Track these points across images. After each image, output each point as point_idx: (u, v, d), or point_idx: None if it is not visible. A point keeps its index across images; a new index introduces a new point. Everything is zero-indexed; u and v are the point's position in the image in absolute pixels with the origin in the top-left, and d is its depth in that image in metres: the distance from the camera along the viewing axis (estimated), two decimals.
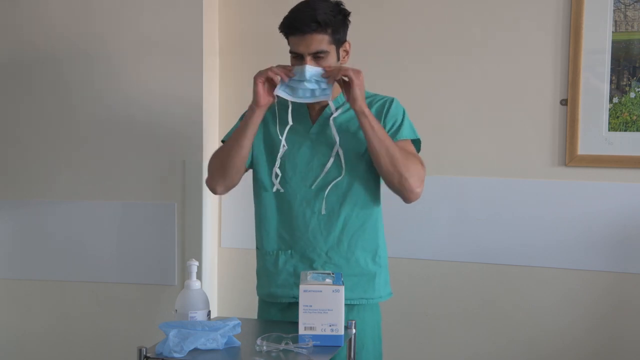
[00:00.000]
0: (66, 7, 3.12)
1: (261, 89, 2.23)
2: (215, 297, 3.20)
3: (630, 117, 2.76)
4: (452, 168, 2.93)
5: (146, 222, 3.11)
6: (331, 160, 2.30)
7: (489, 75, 2.90)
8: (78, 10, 3.12)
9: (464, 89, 2.92)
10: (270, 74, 2.21)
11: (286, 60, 2.30)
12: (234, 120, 2.46)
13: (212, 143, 3.08)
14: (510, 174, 2.89)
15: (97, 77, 3.11)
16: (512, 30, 2.87)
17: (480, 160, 2.92)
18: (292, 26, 2.23)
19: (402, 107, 2.35)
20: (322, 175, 2.31)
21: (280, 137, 2.32)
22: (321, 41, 2.22)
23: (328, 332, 1.97)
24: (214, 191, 2.39)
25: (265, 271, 2.38)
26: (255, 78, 2.23)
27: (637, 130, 2.76)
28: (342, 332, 1.97)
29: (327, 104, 2.33)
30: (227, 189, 2.39)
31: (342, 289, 1.97)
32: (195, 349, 1.91)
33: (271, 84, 2.24)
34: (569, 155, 2.81)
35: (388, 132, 2.28)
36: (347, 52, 2.32)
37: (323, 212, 2.30)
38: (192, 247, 3.07)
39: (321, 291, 1.96)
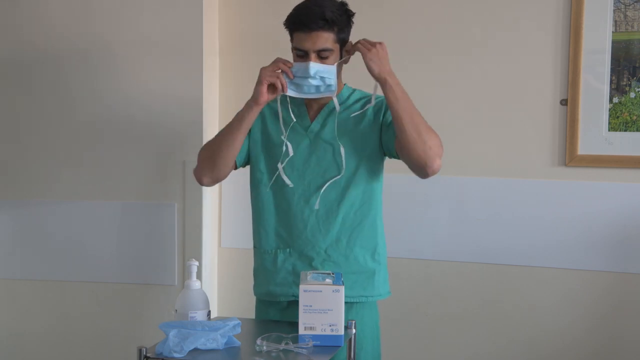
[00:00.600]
0: (66, 7, 3.12)
1: (265, 88, 2.23)
2: (215, 297, 3.20)
3: (630, 117, 2.76)
4: (452, 168, 2.92)
5: (146, 222, 3.10)
6: (331, 158, 2.31)
7: (489, 75, 2.90)
8: (78, 10, 3.11)
9: (464, 89, 2.92)
10: (276, 82, 2.21)
11: (288, 59, 2.30)
12: None
13: None
14: (510, 174, 2.89)
15: (97, 77, 3.10)
16: (512, 30, 2.87)
17: (480, 160, 2.92)
18: (299, 22, 2.22)
19: None
20: (321, 173, 2.31)
21: (281, 137, 2.32)
22: (327, 39, 2.22)
23: (328, 332, 1.97)
24: (200, 181, 2.39)
25: (264, 270, 2.38)
26: (262, 77, 2.23)
27: (637, 130, 2.76)
28: (342, 332, 1.97)
29: (326, 102, 2.33)
30: (214, 181, 2.39)
31: (342, 289, 1.97)
32: (195, 349, 1.91)
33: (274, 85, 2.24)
34: (569, 155, 2.81)
35: (391, 126, 2.28)
36: (348, 52, 2.32)
37: (316, 207, 2.30)
38: (192, 247, 3.06)
39: (321, 291, 1.96)
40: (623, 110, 2.76)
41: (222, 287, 3.22)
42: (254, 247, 2.43)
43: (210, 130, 3.10)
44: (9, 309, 3.24)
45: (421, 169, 2.24)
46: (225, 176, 2.39)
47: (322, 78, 2.23)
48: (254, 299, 2.48)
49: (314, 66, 2.21)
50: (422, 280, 2.99)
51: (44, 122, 3.17)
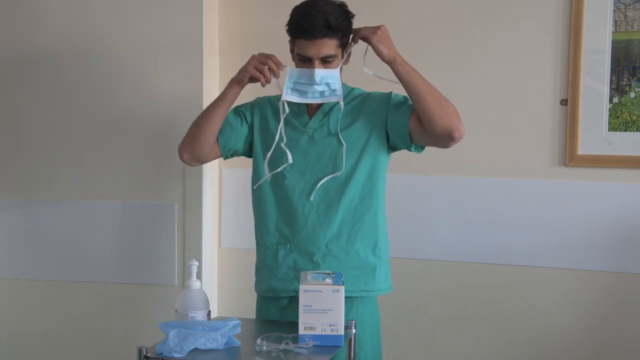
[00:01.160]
0: (66, 6, 3.12)
1: (247, 78, 2.28)
2: (215, 297, 3.20)
3: (630, 117, 2.76)
4: (452, 168, 2.92)
5: (146, 222, 3.10)
6: (330, 154, 2.31)
7: (489, 75, 2.90)
8: (78, 10, 3.11)
9: (464, 89, 2.91)
10: (260, 78, 2.26)
11: (287, 59, 2.30)
12: None
13: None
14: (510, 174, 2.89)
15: (97, 76, 3.10)
16: (512, 30, 2.87)
17: (480, 160, 2.92)
18: (303, 30, 2.22)
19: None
20: (321, 169, 2.32)
21: (282, 135, 2.33)
22: (331, 46, 2.23)
23: (328, 332, 1.97)
24: (181, 157, 2.44)
25: (265, 266, 2.39)
26: (249, 68, 2.27)
27: (637, 130, 2.76)
28: (342, 332, 1.97)
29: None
30: (194, 159, 2.43)
31: (342, 289, 1.97)
32: (195, 349, 1.91)
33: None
34: (569, 155, 2.81)
35: (401, 105, 2.31)
36: (349, 53, 2.32)
37: (311, 199, 2.30)
38: (192, 247, 3.06)
39: (321, 291, 1.96)
40: (623, 110, 2.76)
41: (222, 287, 3.22)
42: (256, 243, 2.44)
43: None
44: (9, 309, 3.24)
45: (447, 136, 2.25)
46: (205, 156, 2.41)
47: (327, 84, 2.24)
48: (254, 299, 2.48)
49: (319, 72, 2.22)
50: (422, 280, 2.99)
51: (43, 122, 3.17)
